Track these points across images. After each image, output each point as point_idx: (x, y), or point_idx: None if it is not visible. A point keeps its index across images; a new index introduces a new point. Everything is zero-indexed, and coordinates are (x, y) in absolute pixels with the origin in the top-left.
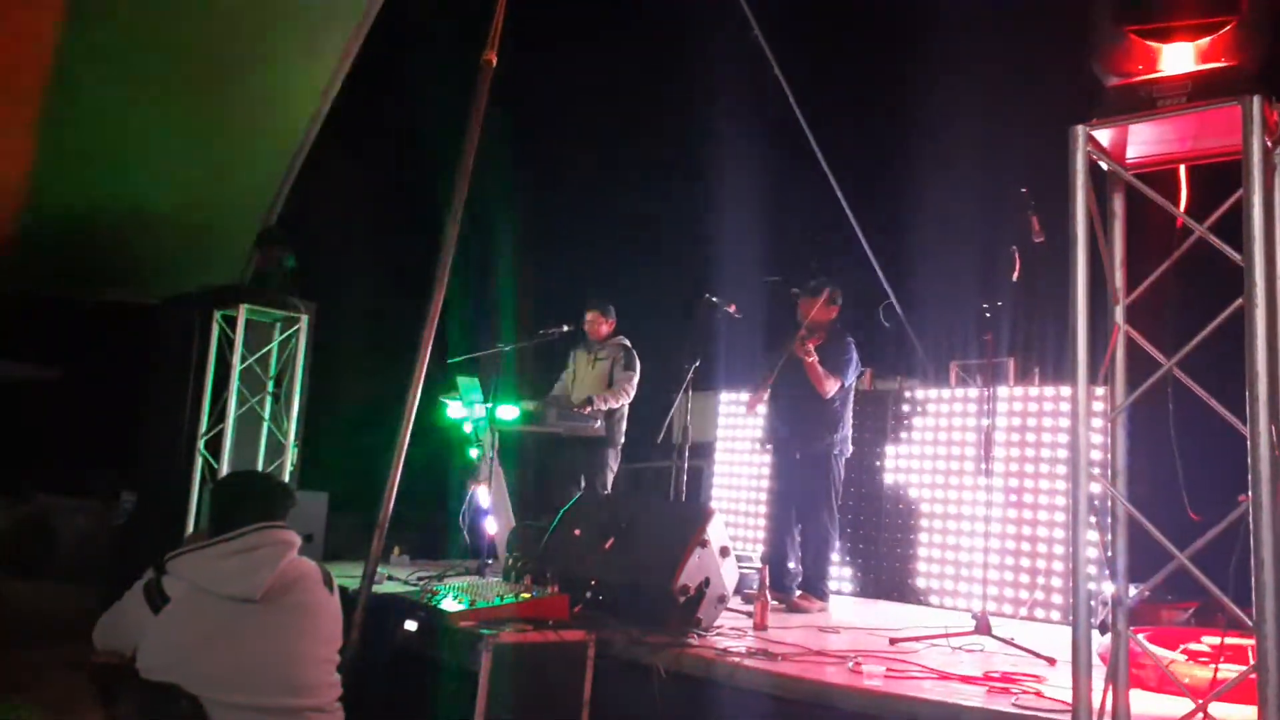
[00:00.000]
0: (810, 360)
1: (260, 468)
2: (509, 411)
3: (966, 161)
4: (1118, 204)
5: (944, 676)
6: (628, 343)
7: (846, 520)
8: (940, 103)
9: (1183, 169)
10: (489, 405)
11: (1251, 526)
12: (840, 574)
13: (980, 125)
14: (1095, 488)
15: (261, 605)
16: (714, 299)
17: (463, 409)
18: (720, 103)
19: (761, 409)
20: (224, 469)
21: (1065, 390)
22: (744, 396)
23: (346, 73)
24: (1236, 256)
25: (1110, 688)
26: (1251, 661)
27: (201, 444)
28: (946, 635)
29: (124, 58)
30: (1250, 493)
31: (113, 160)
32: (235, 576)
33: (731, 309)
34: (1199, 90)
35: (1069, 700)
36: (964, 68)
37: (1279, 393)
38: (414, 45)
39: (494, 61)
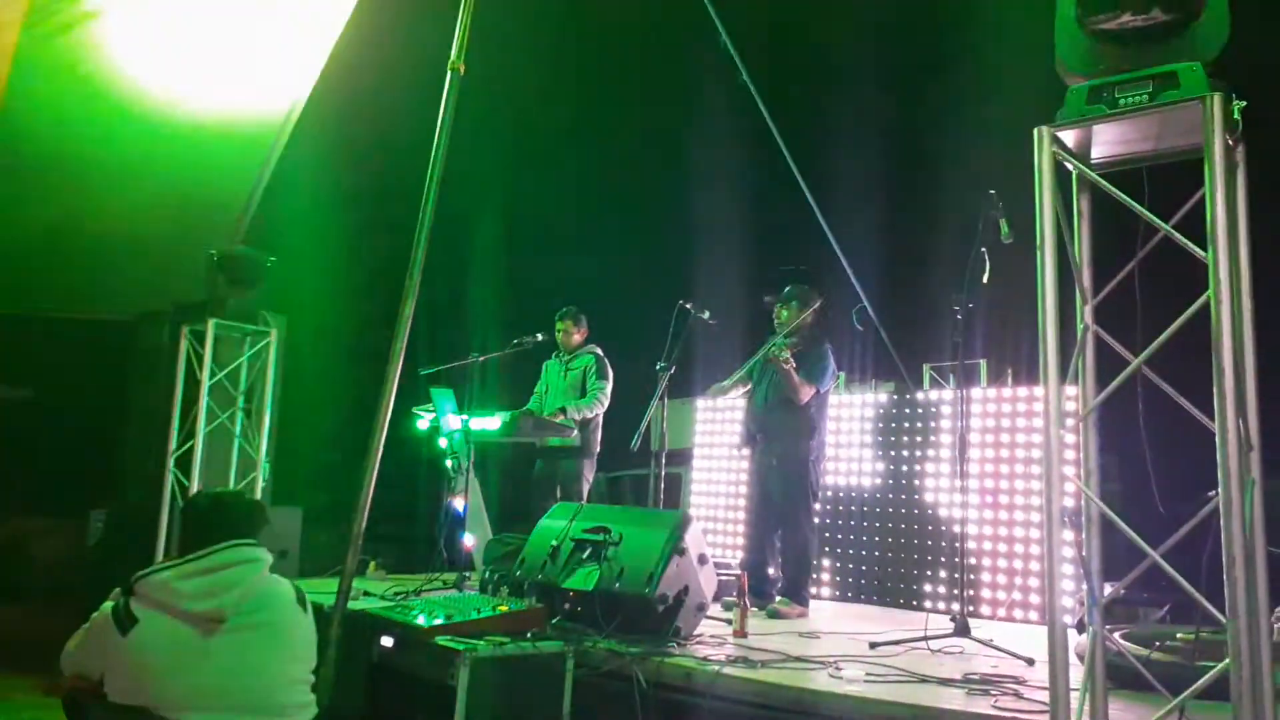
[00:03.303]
0: (787, 368)
1: (231, 484)
2: (483, 422)
3: (937, 164)
4: (1083, 204)
5: (924, 680)
6: (599, 351)
7: (825, 525)
8: (910, 105)
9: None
10: (463, 416)
11: (1222, 522)
12: (820, 579)
13: (949, 127)
14: (1069, 487)
15: (231, 625)
16: (689, 306)
17: (436, 421)
18: (695, 110)
19: (740, 408)
20: (194, 486)
21: (1038, 391)
22: (721, 403)
23: (315, 82)
24: (1201, 253)
25: (1088, 686)
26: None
27: (172, 461)
28: (926, 638)
29: (88, 72)
30: (1220, 488)
31: (78, 176)
32: (204, 595)
33: (706, 316)
34: (1160, 90)
35: (1048, 701)
36: (933, 70)
37: (1245, 388)
38: (383, 53)
39: (462, 70)
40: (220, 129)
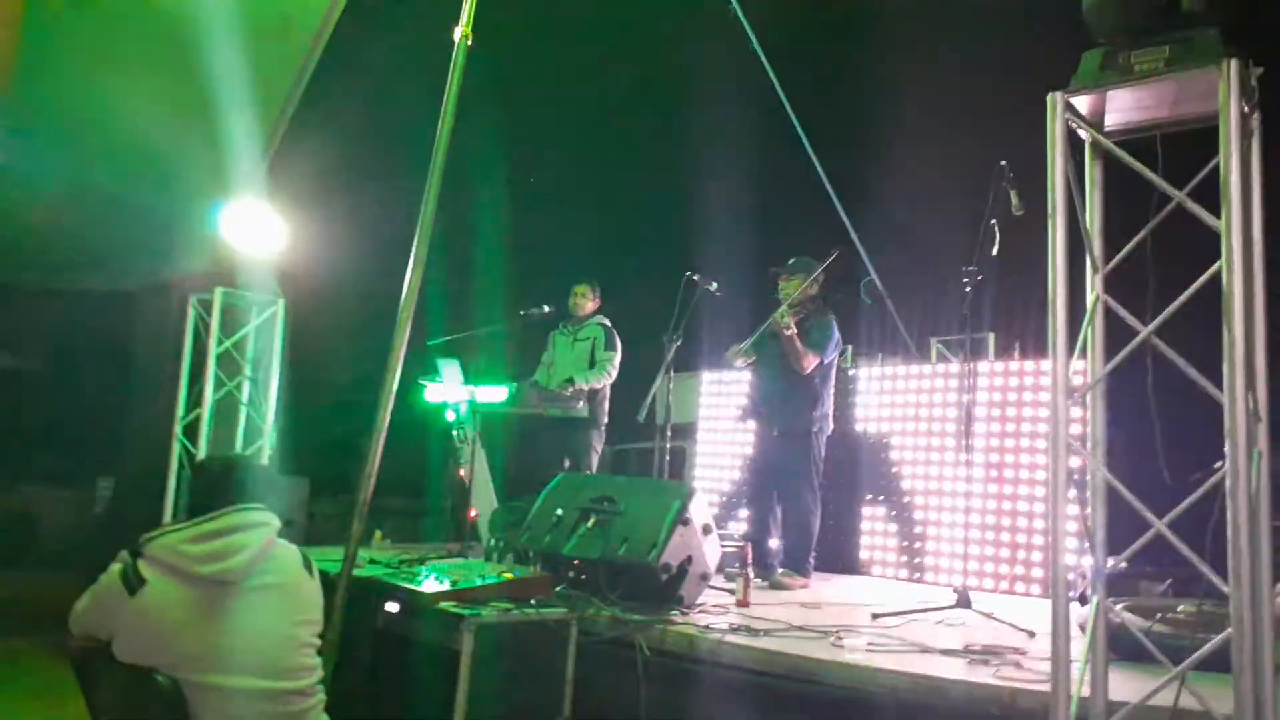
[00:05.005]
0: (789, 334)
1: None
2: (490, 393)
3: (947, 134)
4: (1096, 172)
5: (925, 650)
6: (608, 323)
7: (828, 497)
8: (920, 74)
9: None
10: (470, 387)
11: (1228, 492)
12: (822, 550)
13: (960, 97)
14: (1075, 461)
15: (239, 587)
16: (696, 277)
17: (442, 391)
18: (703, 79)
19: (746, 381)
20: (201, 455)
21: (1045, 365)
22: (727, 376)
23: (322, 50)
24: (1214, 221)
25: (1089, 657)
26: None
27: (179, 429)
28: (928, 609)
29: (93, 39)
30: (1227, 459)
31: (85, 146)
32: (213, 558)
33: (713, 288)
34: (1177, 56)
35: (1049, 671)
36: (944, 37)
37: (1255, 358)
38: (390, 20)
39: (469, 37)
40: (227, 96)
